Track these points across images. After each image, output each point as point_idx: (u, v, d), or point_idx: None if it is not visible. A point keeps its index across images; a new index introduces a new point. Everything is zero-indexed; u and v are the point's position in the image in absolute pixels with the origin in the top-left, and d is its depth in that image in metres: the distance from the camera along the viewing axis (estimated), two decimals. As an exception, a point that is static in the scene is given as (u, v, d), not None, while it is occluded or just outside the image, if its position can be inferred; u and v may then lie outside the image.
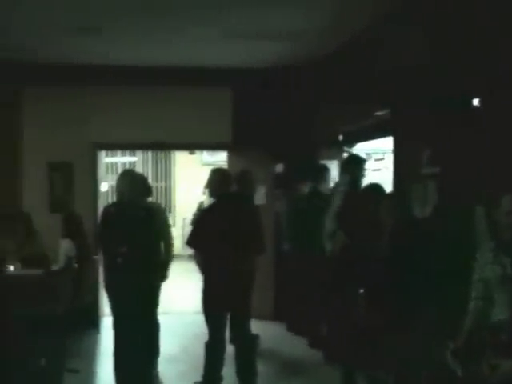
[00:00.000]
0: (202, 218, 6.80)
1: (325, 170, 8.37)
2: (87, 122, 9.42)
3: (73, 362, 6.88)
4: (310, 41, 8.00)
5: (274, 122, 9.49)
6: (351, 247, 6.40)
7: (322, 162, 8.85)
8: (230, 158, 10.16)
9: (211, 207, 6.75)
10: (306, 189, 8.43)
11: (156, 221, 6.61)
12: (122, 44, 8.16)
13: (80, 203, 9.34)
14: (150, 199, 7.54)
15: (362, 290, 5.92)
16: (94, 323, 9.14)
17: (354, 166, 7.17)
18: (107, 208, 6.71)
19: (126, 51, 8.54)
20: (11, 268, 7.21)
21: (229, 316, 6.40)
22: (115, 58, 8.88)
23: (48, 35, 7.74)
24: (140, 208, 6.41)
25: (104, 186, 12.08)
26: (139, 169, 17.35)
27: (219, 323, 6.37)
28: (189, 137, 9.82)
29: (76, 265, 7.91)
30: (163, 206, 17.17)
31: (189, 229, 15.77)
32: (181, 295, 11.46)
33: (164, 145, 10.43)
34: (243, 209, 6.54)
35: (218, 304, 6.31)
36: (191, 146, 11.90)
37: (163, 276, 7.20)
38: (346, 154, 8.82)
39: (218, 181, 6.54)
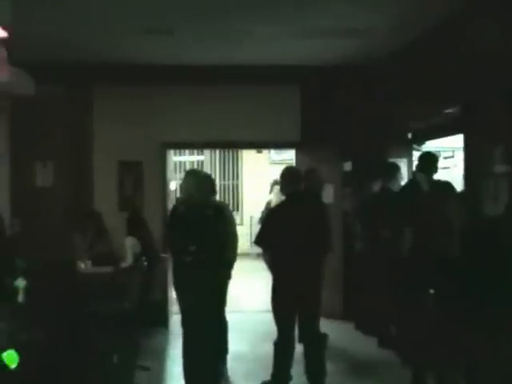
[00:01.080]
0: (271, 217, 6.80)
1: (396, 169, 8.25)
2: (157, 122, 9.51)
3: (143, 359, 6.96)
4: (379, 38, 7.92)
5: (342, 120, 9.42)
6: (421, 247, 6.31)
7: (391, 160, 8.74)
8: (298, 157, 10.12)
9: (280, 205, 6.74)
10: (376, 187, 8.35)
11: (223, 219, 6.62)
12: (192, 44, 8.20)
13: (149, 202, 9.45)
14: (216, 198, 7.57)
15: (432, 290, 5.83)
16: (163, 321, 9.22)
17: (428, 163, 7.09)
18: (175, 207, 6.76)
19: (195, 51, 8.59)
20: (82, 266, 7.32)
21: (298, 315, 6.39)
22: (185, 57, 8.94)
23: (118, 36, 7.85)
24: (207, 207, 6.42)
25: (172, 185, 12.18)
26: (207, 167, 17.47)
27: (288, 322, 6.37)
28: (257, 135, 9.82)
29: (145, 263, 8.00)
30: (231, 204, 17.29)
31: (256, 227, 15.85)
32: (249, 294, 11.49)
33: (232, 144, 10.47)
34: (313, 207, 6.53)
35: (287, 303, 6.30)
36: (260, 145, 11.90)
37: (228, 275, 7.22)
38: (415, 152, 8.72)
39: (288, 179, 6.53)
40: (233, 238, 7.26)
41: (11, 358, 3.13)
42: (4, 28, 6.45)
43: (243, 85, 9.60)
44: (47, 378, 3.05)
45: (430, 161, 7.22)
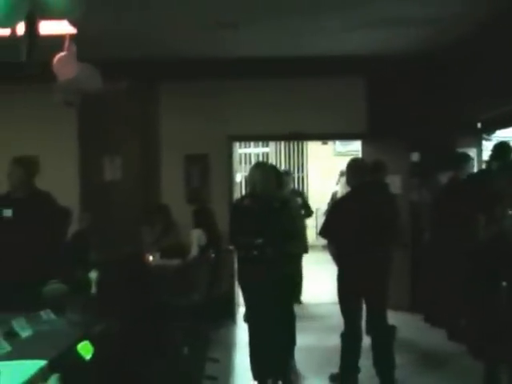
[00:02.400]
0: (336, 208, 6.76)
1: (467, 159, 8.11)
2: (223, 115, 9.56)
3: (211, 351, 7.00)
4: (447, 26, 7.78)
5: (409, 110, 9.30)
6: (501, 238, 6.17)
7: (460, 150, 8.60)
8: (364, 148, 10.05)
9: (346, 197, 6.70)
10: (445, 177, 8.22)
11: (290, 212, 6.59)
12: (258, 37, 8.21)
13: (216, 194, 9.51)
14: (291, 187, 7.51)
15: (504, 283, 5.71)
16: (230, 313, 9.27)
17: (502, 152, 6.97)
18: (240, 200, 6.77)
19: (261, 44, 8.59)
20: (150, 258, 7.41)
21: (365, 307, 6.35)
22: (250, 51, 8.94)
23: (185, 31, 7.90)
24: (274, 199, 6.40)
25: (238, 177, 12.23)
26: (272, 159, 17.48)
27: (355, 314, 6.34)
28: (323, 127, 9.78)
29: (212, 255, 8.05)
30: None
31: (322, 219, 15.76)
32: (315, 286, 11.45)
33: (299, 135, 10.44)
34: (381, 198, 6.47)
35: (353, 295, 6.26)
36: (326, 137, 11.85)
37: (296, 268, 7.20)
38: (485, 142, 8.57)
39: (354, 171, 6.48)
40: (301, 231, 7.22)
41: (86, 349, 3.19)
42: (73, 24, 6.56)
43: (309, 77, 9.55)
44: (120, 370, 3.10)
45: (504, 150, 7.11)
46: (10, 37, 4.62)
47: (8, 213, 6.49)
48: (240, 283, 6.63)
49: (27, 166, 6.75)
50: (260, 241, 6.09)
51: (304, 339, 7.75)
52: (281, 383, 6.39)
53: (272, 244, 6.12)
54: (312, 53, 9.10)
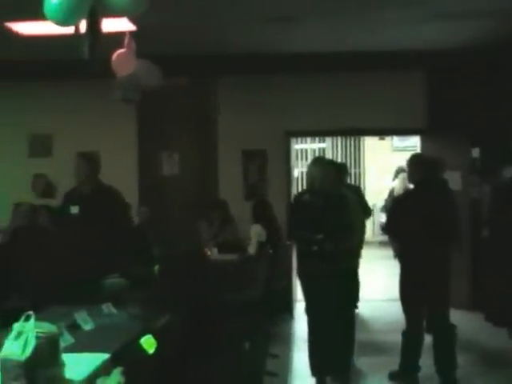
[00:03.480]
0: (399, 205, 6.69)
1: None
2: (280, 110, 9.53)
3: (270, 346, 6.98)
4: (508, 19, 7.62)
5: (469, 104, 9.14)
6: None
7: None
8: (423, 143, 9.91)
9: (409, 194, 6.63)
10: (508, 173, 8.07)
11: (349, 207, 6.53)
12: (316, 31, 8.15)
13: (273, 190, 9.50)
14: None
15: None
16: (288, 308, 9.26)
17: None
18: (299, 196, 6.75)
19: (318, 38, 8.53)
20: (208, 253, 7.45)
21: (427, 305, 6.28)
22: (308, 45, 8.89)
23: (243, 26, 7.89)
24: (333, 195, 6.36)
25: (295, 173, 12.22)
26: (328, 155, 17.38)
27: (417, 312, 6.28)
28: (380, 122, 9.68)
29: (270, 250, 8.05)
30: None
31: (379, 215, 15.67)
32: (371, 282, 11.36)
33: (356, 131, 10.37)
34: (441, 196, 6.38)
35: (415, 293, 6.19)
36: (383, 132, 11.73)
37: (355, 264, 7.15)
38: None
39: (416, 167, 6.40)
40: (360, 227, 7.17)
41: (149, 343, 3.21)
42: (132, 21, 6.62)
43: (367, 71, 9.47)
44: (182, 365, 3.11)
45: None
46: (73, 35, 4.68)
47: (75, 209, 6.61)
48: (300, 278, 6.61)
49: (93, 161, 6.87)
50: (320, 236, 6.06)
51: (362, 336, 7.70)
52: (340, 380, 6.36)
53: (332, 239, 6.09)
54: (371, 47, 9.00)
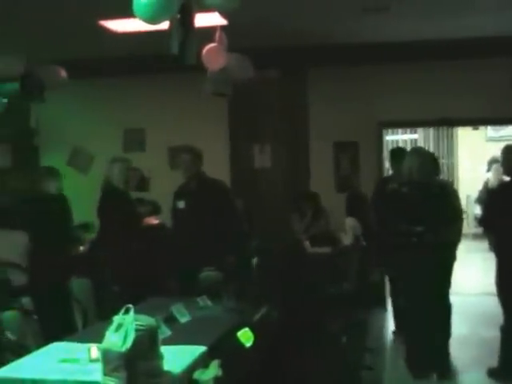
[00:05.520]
0: (495, 197, 6.51)
1: None
2: (372, 101, 9.42)
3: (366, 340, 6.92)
4: None
5: None
6: None
7: None
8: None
9: (505, 185, 6.43)
10: None
11: (451, 198, 6.41)
12: (408, 20, 8.01)
13: (366, 182, 9.39)
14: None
15: None
16: (380, 301, 9.15)
17: None
18: (396, 187, 6.65)
19: (410, 27, 8.37)
20: (305, 246, 7.44)
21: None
22: (400, 34, 8.73)
23: (334, 16, 7.83)
24: (432, 186, 6.24)
25: (386, 164, 12.05)
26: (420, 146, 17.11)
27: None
28: (474, 111, 9.44)
29: (363, 243, 7.98)
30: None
31: (473, 207, 15.30)
32: (465, 275, 11.11)
33: (450, 121, 10.14)
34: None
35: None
36: (477, 122, 11.46)
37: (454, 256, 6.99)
38: None
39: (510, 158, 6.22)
40: (460, 218, 6.99)
41: (246, 336, 3.22)
42: (223, 15, 6.66)
43: (459, 59, 9.24)
44: (280, 358, 3.10)
45: None
46: (165, 30, 4.72)
47: (181, 204, 6.76)
48: (396, 271, 6.52)
49: (198, 155, 7.00)
50: (420, 228, 5.96)
51: (457, 330, 7.54)
52: (436, 375, 6.25)
53: (432, 231, 5.97)
54: (464, 35, 8.78)
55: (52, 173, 7.09)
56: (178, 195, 6.97)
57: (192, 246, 6.41)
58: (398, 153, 8.02)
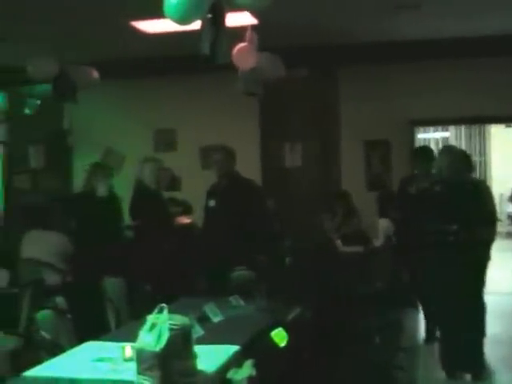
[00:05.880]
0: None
1: None
2: (403, 99, 9.37)
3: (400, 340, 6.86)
4: None
5: None
6: None
7: None
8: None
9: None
10: None
11: (484, 196, 6.34)
12: (439, 17, 7.95)
13: (397, 181, 9.32)
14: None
15: None
16: (412, 301, 9.07)
17: None
18: (428, 186, 6.59)
19: (443, 24, 8.31)
20: (337, 246, 7.42)
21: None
22: (431, 31, 8.66)
23: (366, 14, 7.79)
24: (465, 184, 6.19)
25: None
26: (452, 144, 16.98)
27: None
28: (507, 109, 9.34)
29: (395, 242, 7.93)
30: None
31: (506, 205, 15.17)
32: (497, 274, 10.98)
33: (482, 119, 10.05)
34: None
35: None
36: (510, 119, 11.33)
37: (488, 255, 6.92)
38: None
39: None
40: (492, 216, 6.91)
41: (280, 336, 3.21)
42: (254, 15, 6.66)
43: (492, 57, 9.15)
44: (314, 357, 3.10)
45: None
46: (196, 31, 4.74)
47: (212, 203, 6.78)
48: (430, 270, 6.47)
49: (230, 153, 7.02)
50: (455, 227, 5.91)
51: (491, 330, 7.46)
52: (470, 375, 6.20)
53: (467, 229, 5.92)
54: (496, 32, 8.69)
55: (105, 171, 7.14)
56: (210, 194, 7.00)
57: (223, 245, 6.43)
58: (423, 152, 7.95)
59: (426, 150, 8.19)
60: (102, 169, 7.32)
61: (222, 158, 6.94)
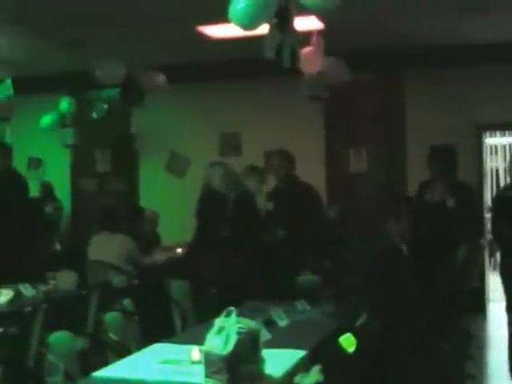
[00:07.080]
0: None
1: None
2: (470, 103, 9.20)
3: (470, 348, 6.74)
4: None
5: None
6: None
7: None
8: None
9: None
10: None
11: None
12: (507, 20, 7.79)
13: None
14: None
15: None
16: (480, 308, 8.93)
17: None
18: (503, 192, 6.47)
19: (510, 27, 8.15)
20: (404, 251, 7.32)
21: None
22: (498, 34, 8.48)
23: (430, 16, 7.69)
24: None
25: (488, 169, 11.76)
26: (519, 150, 16.60)
27: None
28: None
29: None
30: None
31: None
32: None
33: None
34: None
35: None
36: None
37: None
38: None
39: None
40: None
41: (349, 342, 3.18)
42: (321, 19, 6.65)
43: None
44: (383, 365, 3.07)
45: None
46: (263, 35, 4.73)
47: (269, 205, 6.79)
48: (501, 275, 6.35)
49: (288, 157, 7.03)
50: None
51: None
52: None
53: None
54: None
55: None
56: (268, 197, 7.02)
57: (286, 249, 6.42)
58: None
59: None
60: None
61: (278, 162, 6.95)
